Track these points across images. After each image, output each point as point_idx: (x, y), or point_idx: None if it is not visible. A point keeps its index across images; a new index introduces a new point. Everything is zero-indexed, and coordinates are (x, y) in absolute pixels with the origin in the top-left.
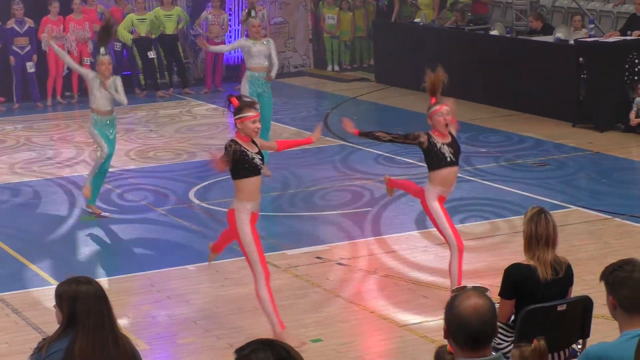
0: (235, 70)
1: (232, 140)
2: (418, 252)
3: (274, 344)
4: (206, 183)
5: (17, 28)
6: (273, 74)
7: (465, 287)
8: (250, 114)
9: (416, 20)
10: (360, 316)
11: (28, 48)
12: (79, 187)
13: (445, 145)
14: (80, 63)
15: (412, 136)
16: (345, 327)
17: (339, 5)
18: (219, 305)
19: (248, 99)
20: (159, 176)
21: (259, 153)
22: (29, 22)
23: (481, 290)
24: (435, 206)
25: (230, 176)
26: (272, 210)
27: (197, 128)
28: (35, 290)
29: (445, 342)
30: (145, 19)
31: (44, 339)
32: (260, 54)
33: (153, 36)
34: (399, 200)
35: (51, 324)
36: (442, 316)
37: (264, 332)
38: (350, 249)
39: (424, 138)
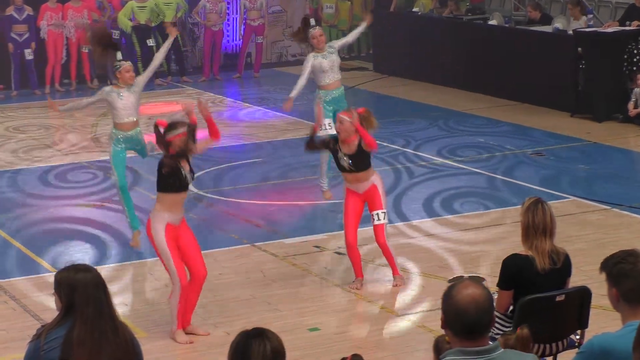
0: (233, 58)
1: (171, 156)
2: (416, 241)
3: (264, 334)
4: (203, 172)
5: (15, 15)
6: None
7: (462, 276)
8: (182, 130)
9: (414, 9)
10: (357, 305)
11: (26, 35)
12: (78, 176)
13: (345, 156)
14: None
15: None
16: (342, 317)
17: None
18: (216, 294)
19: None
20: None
21: (192, 171)
22: (28, 10)
23: (478, 280)
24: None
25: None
26: (270, 198)
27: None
28: (34, 278)
29: (444, 332)
30: (145, 6)
31: (42, 326)
32: (333, 66)
33: (153, 24)
34: (398, 190)
35: (49, 311)
36: (440, 306)
37: (261, 320)
38: None
39: (331, 144)
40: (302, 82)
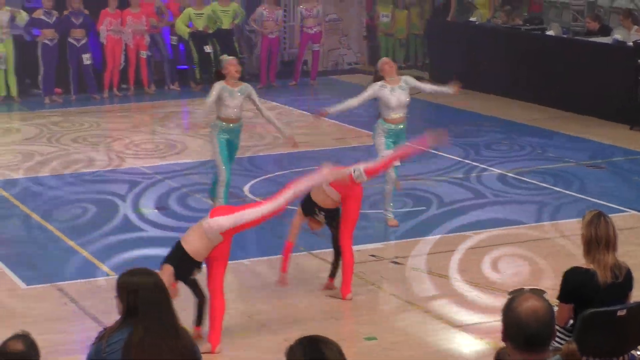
0: (289, 66)
1: None
2: (472, 252)
3: (320, 341)
4: (260, 179)
5: (72, 19)
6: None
7: (523, 289)
8: None
9: (472, 19)
10: (414, 315)
11: (84, 41)
12: (135, 180)
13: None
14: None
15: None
16: (399, 326)
17: (394, 3)
18: (273, 301)
19: None
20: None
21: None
22: (85, 12)
23: (539, 293)
24: None
25: None
26: None
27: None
28: (93, 280)
29: (501, 344)
30: (202, 13)
31: (104, 329)
32: (400, 104)
33: (210, 31)
34: (454, 203)
35: (108, 314)
36: (498, 317)
37: (318, 327)
38: (405, 248)
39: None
40: (351, 104)
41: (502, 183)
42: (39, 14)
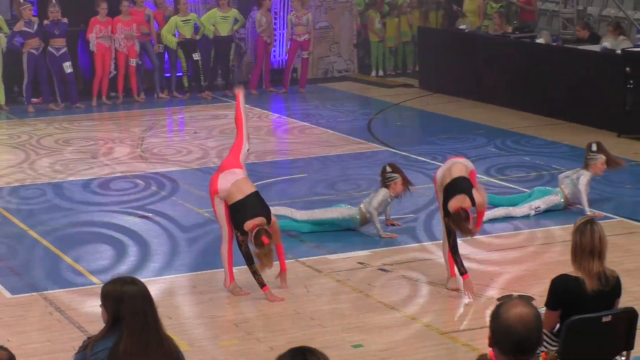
0: (279, 73)
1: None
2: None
3: (308, 351)
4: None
5: (52, 29)
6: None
7: (511, 295)
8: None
9: (461, 27)
10: (402, 323)
11: (63, 50)
12: (124, 187)
13: None
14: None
15: None
16: (386, 334)
17: (386, 12)
18: (260, 309)
19: None
20: (204, 177)
21: None
22: (63, 20)
23: (527, 299)
24: None
25: None
26: None
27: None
28: (78, 289)
29: (487, 350)
30: (189, 20)
31: (88, 338)
32: None
33: (197, 37)
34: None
35: (94, 323)
36: (485, 324)
37: (305, 335)
38: (392, 255)
39: None
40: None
41: None
42: (20, 26)
